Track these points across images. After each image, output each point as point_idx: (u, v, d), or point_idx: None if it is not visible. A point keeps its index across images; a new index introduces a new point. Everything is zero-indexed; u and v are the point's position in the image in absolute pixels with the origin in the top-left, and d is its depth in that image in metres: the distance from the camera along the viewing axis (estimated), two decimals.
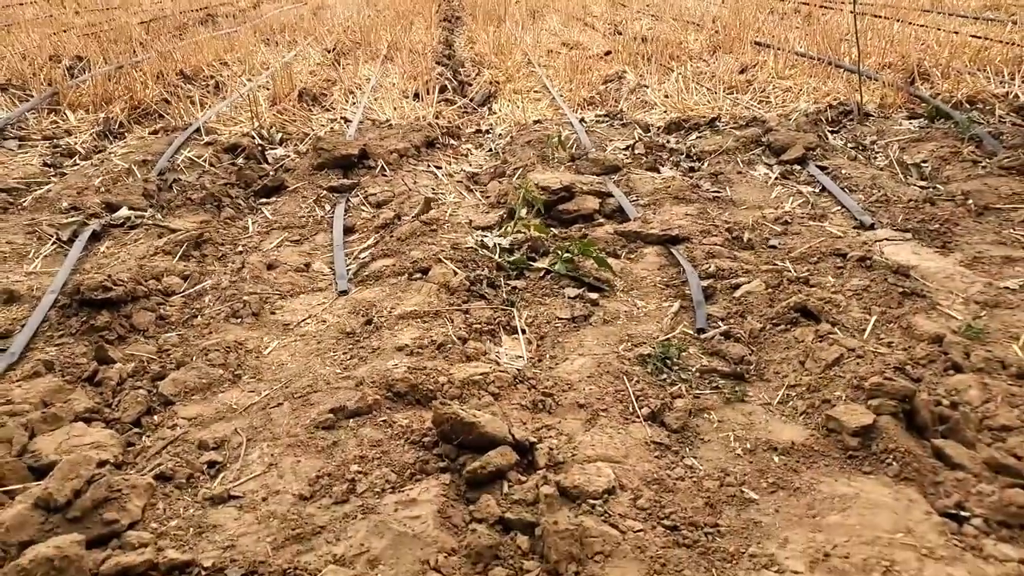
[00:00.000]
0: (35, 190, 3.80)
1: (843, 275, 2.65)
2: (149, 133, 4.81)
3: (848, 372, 2.03)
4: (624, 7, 11.26)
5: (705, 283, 2.66)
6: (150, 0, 13.69)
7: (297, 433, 1.92)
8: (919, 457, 1.70)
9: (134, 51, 7.28)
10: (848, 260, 2.73)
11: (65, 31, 8.68)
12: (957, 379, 1.97)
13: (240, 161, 4.23)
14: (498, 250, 3.00)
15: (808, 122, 4.49)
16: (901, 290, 2.46)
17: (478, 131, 5.00)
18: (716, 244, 2.97)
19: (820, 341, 2.18)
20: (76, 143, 4.57)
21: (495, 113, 5.39)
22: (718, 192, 3.63)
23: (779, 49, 6.25)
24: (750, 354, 2.26)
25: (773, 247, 2.99)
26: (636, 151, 4.24)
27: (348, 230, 3.41)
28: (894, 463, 1.69)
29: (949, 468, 1.69)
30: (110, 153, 4.38)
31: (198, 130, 4.65)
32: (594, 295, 2.65)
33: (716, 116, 4.69)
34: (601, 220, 3.34)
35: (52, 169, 4.17)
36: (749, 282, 2.62)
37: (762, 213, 3.33)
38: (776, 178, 3.79)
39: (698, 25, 8.44)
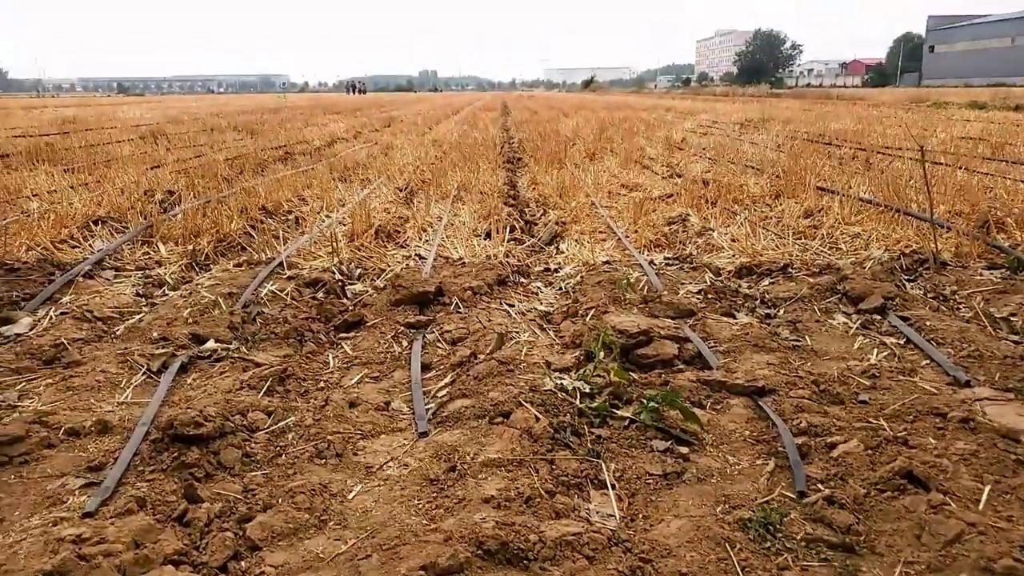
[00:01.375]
0: (128, 319, 3.98)
1: (945, 437, 2.53)
2: (233, 266, 5.05)
3: (972, 551, 1.89)
4: (680, 150, 11.71)
5: (798, 440, 2.56)
6: (232, 138, 14.85)
7: None
8: None
9: (220, 187, 7.81)
10: (948, 420, 2.62)
11: (158, 167, 9.41)
12: None
13: (320, 295, 4.38)
14: (578, 395, 2.97)
15: (883, 270, 4.46)
16: (1014, 457, 2.32)
17: (546, 270, 5.11)
18: (804, 397, 2.89)
19: (935, 513, 2.05)
20: (166, 274, 4.82)
21: (562, 253, 5.52)
22: (797, 341, 3.58)
23: (843, 195, 6.33)
24: (857, 523, 2.13)
25: (864, 402, 2.89)
26: (709, 296, 4.25)
27: (424, 367, 3.44)
28: None
29: None
30: (197, 284, 4.59)
31: (280, 264, 4.87)
32: (683, 449, 2.57)
33: (788, 262, 4.71)
34: (681, 366, 3.30)
35: (143, 299, 4.37)
36: (845, 441, 2.52)
37: (847, 365, 3.25)
38: (856, 328, 3.73)
39: (757, 169, 8.68)
